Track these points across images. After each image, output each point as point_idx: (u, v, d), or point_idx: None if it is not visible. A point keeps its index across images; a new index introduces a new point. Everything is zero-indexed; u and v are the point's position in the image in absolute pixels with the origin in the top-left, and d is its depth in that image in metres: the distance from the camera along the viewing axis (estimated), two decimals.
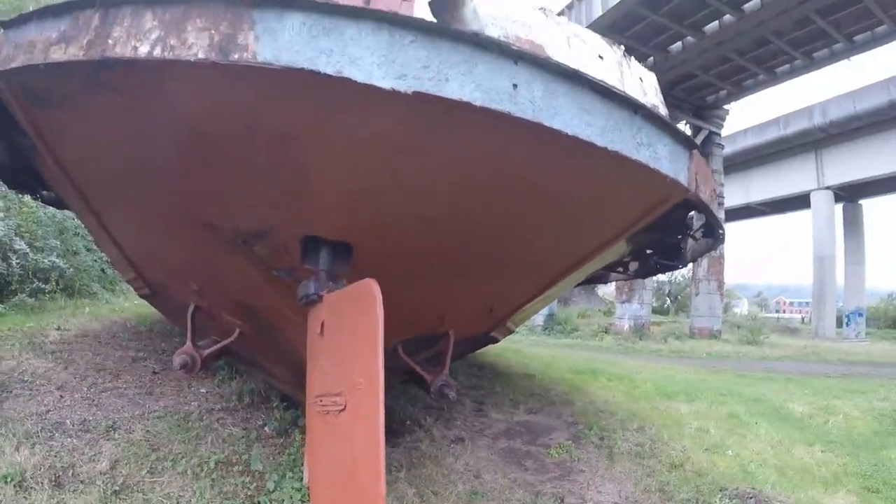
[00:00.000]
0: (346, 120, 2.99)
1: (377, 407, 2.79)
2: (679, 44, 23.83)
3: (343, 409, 3.06)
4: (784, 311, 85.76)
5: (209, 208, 3.97)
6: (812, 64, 24.30)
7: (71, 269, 11.19)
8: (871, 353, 22.01)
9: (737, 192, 37.24)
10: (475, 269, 4.49)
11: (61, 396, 5.92)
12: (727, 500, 5.07)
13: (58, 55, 3.05)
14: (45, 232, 11.14)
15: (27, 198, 10.65)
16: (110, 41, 2.86)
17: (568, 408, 7.85)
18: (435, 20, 3.11)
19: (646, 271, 6.96)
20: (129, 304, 11.08)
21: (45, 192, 6.38)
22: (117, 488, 4.45)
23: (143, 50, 2.77)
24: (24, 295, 9.28)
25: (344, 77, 2.64)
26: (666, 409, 8.32)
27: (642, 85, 3.92)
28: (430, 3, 3.10)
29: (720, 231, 5.22)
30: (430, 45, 2.73)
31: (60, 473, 4.57)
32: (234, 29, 2.70)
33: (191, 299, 5.03)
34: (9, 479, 4.29)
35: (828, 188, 32.71)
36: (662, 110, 3.98)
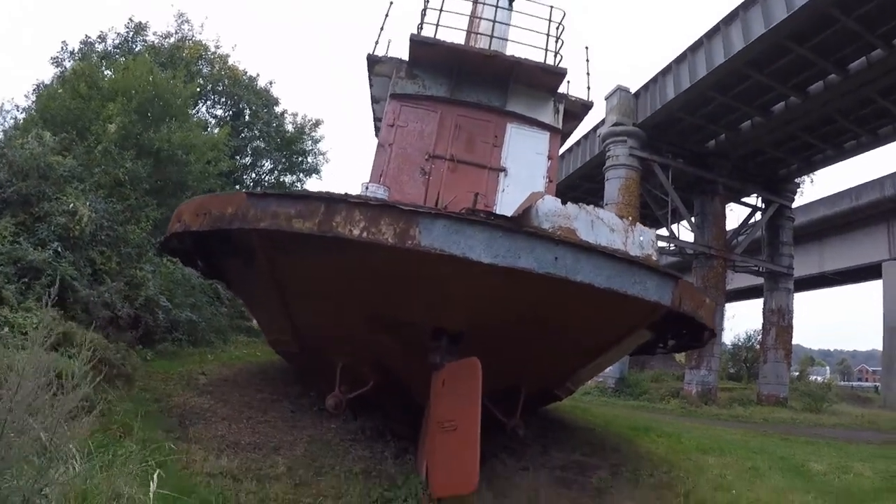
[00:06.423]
0: (465, 272, 5.17)
1: (476, 429, 4.95)
2: (749, 122, 24.81)
3: (455, 429, 5.22)
4: (866, 380, 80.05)
5: (382, 308, 6.18)
6: (877, 140, 24.92)
7: (202, 323, 13.19)
8: None
9: (812, 261, 36.94)
10: (538, 349, 6.59)
11: (229, 425, 7.81)
12: None
13: (298, 226, 5.23)
14: (182, 290, 13.19)
15: (166, 260, 12.85)
16: (334, 223, 5.11)
17: (616, 454, 9.31)
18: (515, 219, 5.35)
19: (678, 348, 8.94)
20: (240, 354, 12.98)
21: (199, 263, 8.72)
22: (297, 482, 6.42)
23: (356, 232, 5.03)
24: (166, 343, 11.28)
25: (465, 256, 4.91)
26: (697, 459, 9.54)
27: (641, 241, 6.01)
28: (512, 216, 5.36)
29: (707, 330, 7.24)
30: (510, 238, 4.98)
31: (255, 472, 6.44)
32: (408, 226, 4.95)
33: (341, 359, 6.99)
34: (225, 475, 6.23)
35: None
36: (654, 256, 6.06)
